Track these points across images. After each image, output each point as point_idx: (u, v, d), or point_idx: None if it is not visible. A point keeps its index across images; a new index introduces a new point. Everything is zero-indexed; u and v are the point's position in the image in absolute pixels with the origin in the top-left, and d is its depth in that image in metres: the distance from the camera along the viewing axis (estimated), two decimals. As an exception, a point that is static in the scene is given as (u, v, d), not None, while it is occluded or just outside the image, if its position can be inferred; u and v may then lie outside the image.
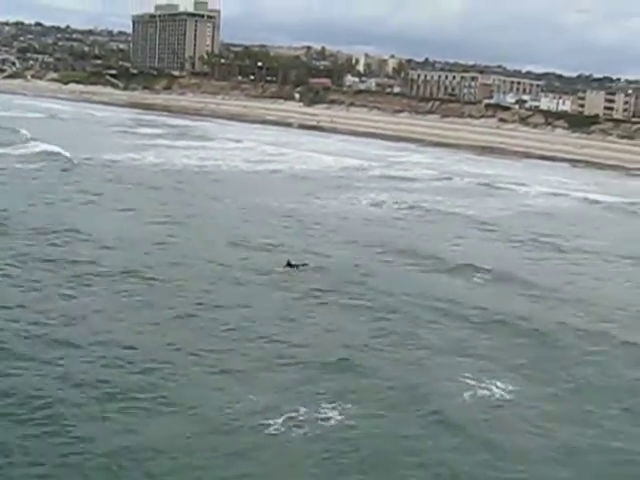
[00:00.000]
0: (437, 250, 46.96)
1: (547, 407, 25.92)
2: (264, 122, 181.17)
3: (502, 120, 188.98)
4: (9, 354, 26.33)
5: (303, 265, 39.38)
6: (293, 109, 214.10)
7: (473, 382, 26.78)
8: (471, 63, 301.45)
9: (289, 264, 39.11)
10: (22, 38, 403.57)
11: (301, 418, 23.01)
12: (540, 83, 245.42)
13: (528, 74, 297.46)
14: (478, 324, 33.55)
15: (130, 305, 32.85)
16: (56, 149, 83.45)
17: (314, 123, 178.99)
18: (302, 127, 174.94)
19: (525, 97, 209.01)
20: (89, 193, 58.75)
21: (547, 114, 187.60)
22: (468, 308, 35.41)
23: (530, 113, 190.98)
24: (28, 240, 42.06)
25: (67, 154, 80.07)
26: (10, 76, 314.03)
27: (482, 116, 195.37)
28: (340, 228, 52.66)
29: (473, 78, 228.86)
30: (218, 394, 24.53)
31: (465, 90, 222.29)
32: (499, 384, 26.85)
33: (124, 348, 27.68)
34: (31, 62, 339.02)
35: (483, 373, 27.75)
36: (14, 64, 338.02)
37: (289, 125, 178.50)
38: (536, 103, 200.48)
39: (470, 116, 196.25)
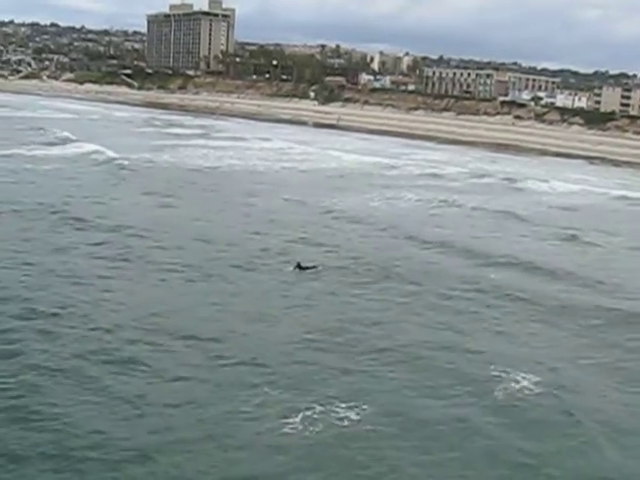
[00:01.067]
0: (510, 251, 46.92)
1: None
2: (279, 121, 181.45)
3: (518, 117, 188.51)
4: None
5: (313, 267, 38.92)
6: (308, 107, 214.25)
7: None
8: (486, 60, 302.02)
9: (299, 266, 38.67)
10: (38, 39, 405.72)
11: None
12: (556, 80, 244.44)
13: (544, 71, 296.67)
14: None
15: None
16: (100, 149, 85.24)
17: (334, 122, 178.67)
18: (317, 125, 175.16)
19: (541, 94, 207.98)
20: (157, 194, 59.86)
21: (563, 111, 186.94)
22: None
23: (546, 110, 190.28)
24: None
25: (113, 154, 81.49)
26: (26, 77, 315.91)
27: (497, 113, 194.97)
28: (403, 227, 52.83)
29: (488, 75, 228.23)
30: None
31: (480, 87, 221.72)
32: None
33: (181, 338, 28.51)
34: (47, 62, 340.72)
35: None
36: (30, 65, 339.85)
37: (304, 123, 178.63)
38: (552, 100, 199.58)
39: (485, 113, 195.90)
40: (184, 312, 31.85)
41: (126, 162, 76.69)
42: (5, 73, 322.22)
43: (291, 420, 22.46)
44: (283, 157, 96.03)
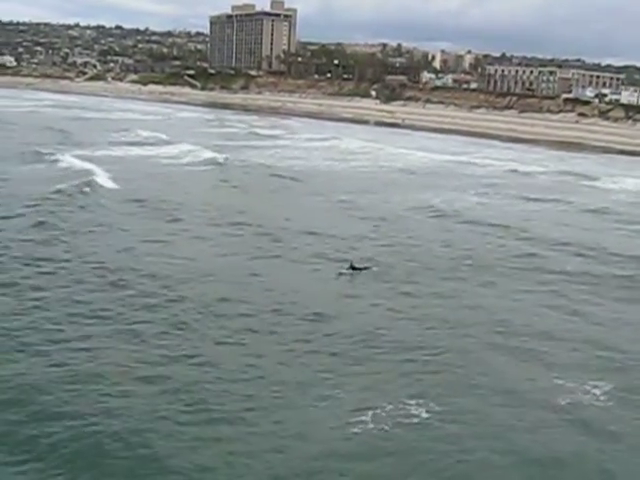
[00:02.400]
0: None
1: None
2: (341, 120, 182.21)
3: (581, 114, 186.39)
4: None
5: (365, 268, 39.22)
6: (370, 106, 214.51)
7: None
8: (549, 57, 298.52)
9: (352, 267, 38.96)
10: (103, 41, 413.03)
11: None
12: (620, 76, 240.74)
13: (608, 67, 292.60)
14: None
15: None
16: (194, 148, 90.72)
17: (396, 121, 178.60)
18: (379, 124, 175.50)
19: (605, 91, 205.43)
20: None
21: (628, 108, 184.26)
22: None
23: (610, 107, 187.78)
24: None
25: (211, 154, 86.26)
26: (91, 78, 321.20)
27: (560, 111, 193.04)
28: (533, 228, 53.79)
29: (551, 72, 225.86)
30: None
31: (543, 85, 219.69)
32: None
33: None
34: (111, 64, 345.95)
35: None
36: (95, 67, 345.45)
37: (366, 122, 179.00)
38: (616, 97, 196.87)
39: (548, 111, 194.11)
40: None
41: (237, 163, 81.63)
42: (71, 75, 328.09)
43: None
44: (362, 156, 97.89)
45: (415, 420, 23.18)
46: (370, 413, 23.28)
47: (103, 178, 63.60)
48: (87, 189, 58.15)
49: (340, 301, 34.74)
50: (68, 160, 74.35)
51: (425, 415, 23.41)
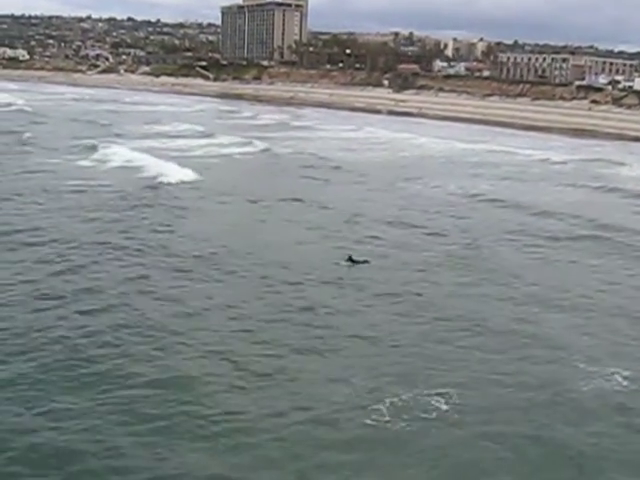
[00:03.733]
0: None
1: None
2: (354, 109, 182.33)
3: (594, 102, 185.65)
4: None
5: (364, 262, 38.22)
6: (382, 96, 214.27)
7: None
8: (562, 44, 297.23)
9: (350, 259, 38.13)
10: (115, 33, 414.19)
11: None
12: (634, 63, 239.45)
13: (621, 54, 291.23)
14: None
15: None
16: (238, 140, 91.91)
17: (408, 110, 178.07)
18: (391, 113, 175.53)
19: (618, 77, 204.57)
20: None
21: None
22: None
23: (624, 94, 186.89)
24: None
25: (263, 145, 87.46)
26: (104, 71, 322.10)
27: (574, 98, 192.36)
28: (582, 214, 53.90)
29: (564, 59, 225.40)
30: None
31: (556, 72, 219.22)
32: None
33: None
34: (124, 56, 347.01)
35: None
36: (107, 59, 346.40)
37: (378, 112, 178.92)
38: (630, 83, 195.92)
39: (561, 98, 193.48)
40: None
41: (279, 152, 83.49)
42: (83, 68, 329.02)
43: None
44: (399, 145, 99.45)
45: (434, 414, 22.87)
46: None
47: (176, 169, 64.02)
48: (169, 180, 59.24)
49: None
50: (122, 152, 74.55)
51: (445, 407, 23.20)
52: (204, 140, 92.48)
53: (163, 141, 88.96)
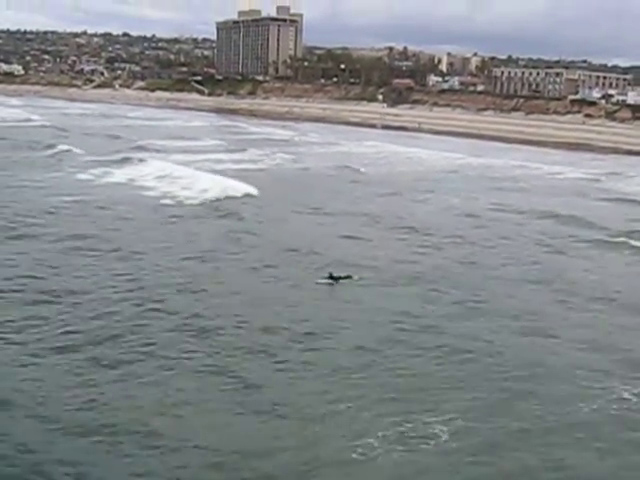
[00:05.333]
0: None
1: None
2: (348, 124, 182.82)
3: (588, 116, 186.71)
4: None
5: (346, 277, 37.40)
6: (376, 110, 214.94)
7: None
8: (555, 59, 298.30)
9: (331, 276, 37.33)
10: (110, 48, 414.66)
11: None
12: (627, 77, 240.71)
13: (614, 68, 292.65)
14: None
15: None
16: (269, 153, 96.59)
17: (416, 125, 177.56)
18: (386, 128, 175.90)
19: (612, 91, 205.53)
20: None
21: (634, 108, 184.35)
22: None
23: (617, 108, 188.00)
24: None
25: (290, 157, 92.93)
26: (99, 85, 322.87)
27: (568, 112, 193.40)
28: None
29: (558, 74, 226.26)
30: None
31: (550, 86, 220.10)
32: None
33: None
34: (119, 71, 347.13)
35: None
36: (103, 74, 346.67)
37: (373, 126, 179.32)
38: (623, 97, 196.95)
39: (555, 112, 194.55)
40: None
41: (311, 166, 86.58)
42: (79, 83, 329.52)
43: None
44: (407, 158, 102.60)
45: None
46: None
47: (233, 183, 66.12)
48: (235, 193, 61.34)
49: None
50: (161, 166, 76.25)
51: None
52: (236, 155, 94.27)
53: (198, 156, 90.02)
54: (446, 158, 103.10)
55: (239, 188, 62.68)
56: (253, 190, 62.31)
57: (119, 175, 69.33)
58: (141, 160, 79.13)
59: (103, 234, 45.02)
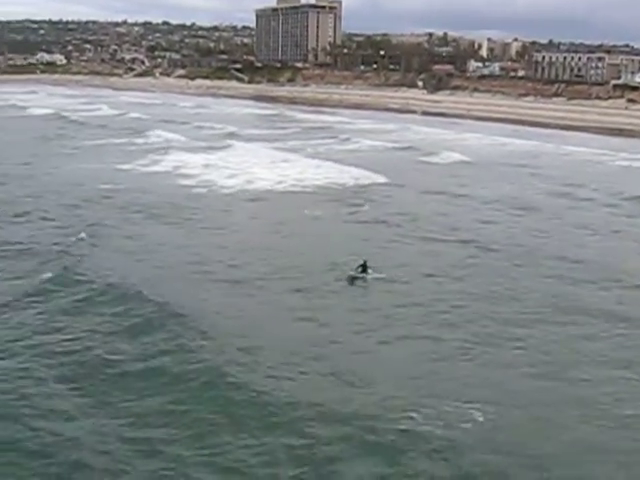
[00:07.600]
0: None
1: None
2: (388, 110, 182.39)
3: (631, 100, 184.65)
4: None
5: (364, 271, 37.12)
6: (416, 96, 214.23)
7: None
8: (597, 43, 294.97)
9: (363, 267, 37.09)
10: (150, 37, 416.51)
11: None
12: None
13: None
14: None
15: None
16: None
17: (464, 112, 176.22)
18: (425, 114, 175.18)
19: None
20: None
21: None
22: None
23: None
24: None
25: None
26: (140, 74, 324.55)
27: (610, 97, 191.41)
28: None
29: (600, 58, 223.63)
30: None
31: (592, 71, 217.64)
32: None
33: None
34: (159, 60, 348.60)
35: None
36: (143, 62, 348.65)
37: (413, 112, 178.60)
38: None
39: (597, 97, 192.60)
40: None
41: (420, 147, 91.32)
42: (120, 71, 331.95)
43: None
44: (478, 143, 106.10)
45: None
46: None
47: (359, 171, 69.63)
48: (369, 181, 65.48)
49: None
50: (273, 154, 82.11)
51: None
52: (343, 145, 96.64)
53: (294, 142, 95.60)
54: (506, 144, 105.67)
55: (372, 176, 66.71)
56: (384, 178, 66.41)
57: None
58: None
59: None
